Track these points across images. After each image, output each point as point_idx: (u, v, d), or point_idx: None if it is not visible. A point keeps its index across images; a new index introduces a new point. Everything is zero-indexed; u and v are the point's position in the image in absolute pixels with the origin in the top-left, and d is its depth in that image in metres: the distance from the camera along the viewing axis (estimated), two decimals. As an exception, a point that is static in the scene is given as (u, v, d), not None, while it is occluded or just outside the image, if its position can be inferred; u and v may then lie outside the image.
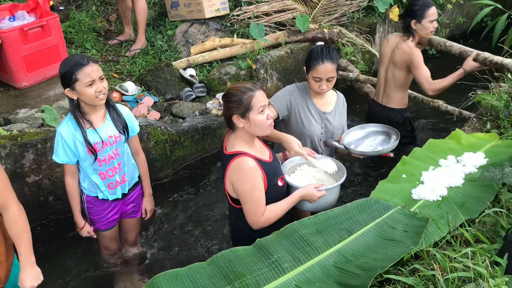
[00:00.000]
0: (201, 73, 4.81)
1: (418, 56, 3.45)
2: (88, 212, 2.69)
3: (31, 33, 3.73)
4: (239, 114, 2.23)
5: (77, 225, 2.69)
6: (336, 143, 2.88)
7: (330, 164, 2.61)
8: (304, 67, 2.79)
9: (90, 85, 2.35)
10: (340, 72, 5.01)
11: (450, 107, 3.96)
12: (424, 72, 3.44)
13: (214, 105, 2.21)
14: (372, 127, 3.06)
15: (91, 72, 2.34)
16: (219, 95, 2.21)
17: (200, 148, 4.25)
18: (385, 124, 3.18)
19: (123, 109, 2.64)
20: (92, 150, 2.46)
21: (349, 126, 3.06)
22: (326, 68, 2.65)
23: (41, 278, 2.13)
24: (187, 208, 3.76)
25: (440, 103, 4.02)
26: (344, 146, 2.83)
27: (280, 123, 2.91)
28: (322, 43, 2.77)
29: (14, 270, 2.17)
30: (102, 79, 2.40)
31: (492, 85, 3.53)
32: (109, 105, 2.53)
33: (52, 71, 3.98)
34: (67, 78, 2.33)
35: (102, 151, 2.52)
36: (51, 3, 4.85)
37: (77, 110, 2.43)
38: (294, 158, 2.69)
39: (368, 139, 2.98)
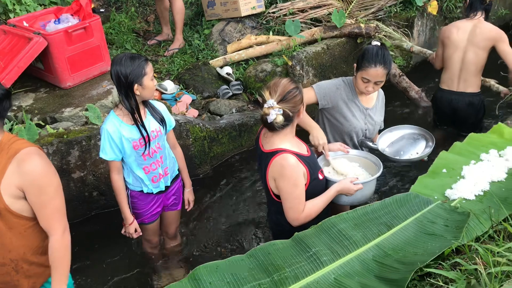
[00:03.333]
0: (237, 71, 4.86)
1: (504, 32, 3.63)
2: (132, 207, 2.76)
3: (75, 34, 3.86)
4: (303, 105, 2.28)
5: (125, 220, 2.74)
6: (371, 144, 2.88)
7: (345, 166, 2.60)
8: (354, 64, 2.76)
9: (152, 79, 2.50)
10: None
11: (501, 88, 3.90)
12: (511, 49, 3.59)
13: (277, 111, 2.21)
14: (407, 129, 3.01)
15: (151, 66, 2.51)
16: (272, 102, 2.20)
17: (238, 144, 4.31)
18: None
19: (158, 104, 2.73)
20: (148, 140, 2.56)
21: (385, 124, 3.04)
22: (377, 73, 2.63)
23: None
24: (226, 203, 3.83)
25: (492, 82, 3.98)
26: (379, 151, 2.83)
27: (323, 118, 2.92)
28: (378, 43, 2.72)
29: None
30: None
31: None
32: (146, 101, 2.63)
33: (95, 71, 4.11)
34: (137, 74, 2.42)
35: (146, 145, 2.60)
36: (93, 5, 5.01)
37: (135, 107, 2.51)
38: (329, 152, 2.70)
39: (402, 142, 2.93)
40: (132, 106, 2.49)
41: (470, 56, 3.69)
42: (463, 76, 3.75)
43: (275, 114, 2.16)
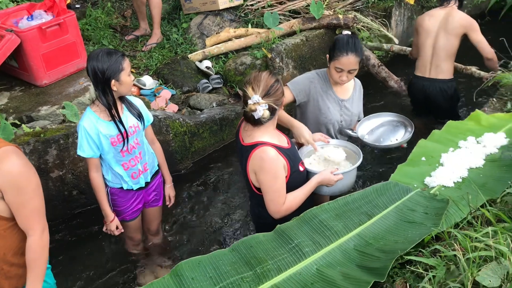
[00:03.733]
0: (217, 65, 4.83)
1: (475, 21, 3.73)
2: (112, 204, 2.73)
3: (49, 31, 3.78)
4: (283, 99, 2.27)
5: (106, 218, 2.70)
6: (350, 132, 2.88)
7: (338, 153, 2.61)
8: (327, 55, 2.76)
9: (129, 74, 2.46)
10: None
11: (483, 73, 3.99)
12: (483, 37, 3.68)
13: (264, 107, 2.19)
14: (386, 117, 3.02)
15: (129, 61, 2.47)
16: (257, 98, 2.18)
17: (219, 138, 4.29)
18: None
19: (135, 100, 2.71)
20: (126, 135, 2.52)
21: (366, 113, 3.05)
22: (350, 61, 2.62)
23: None
24: (208, 198, 3.81)
25: (474, 69, 4.08)
26: (358, 138, 2.84)
27: (297, 110, 2.92)
28: (349, 32, 2.73)
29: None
30: None
31: (512, 64, 3.49)
32: (123, 97, 2.59)
33: (71, 68, 4.04)
34: (114, 69, 2.38)
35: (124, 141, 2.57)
36: (68, 1, 4.91)
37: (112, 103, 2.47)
38: None
39: (382, 130, 2.94)
40: (109, 102, 2.45)
41: (441, 42, 3.78)
42: (435, 62, 3.84)
43: (262, 110, 2.15)
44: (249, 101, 2.16)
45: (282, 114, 2.61)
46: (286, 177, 2.28)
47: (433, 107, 3.98)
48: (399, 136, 2.86)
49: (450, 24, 3.73)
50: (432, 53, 3.83)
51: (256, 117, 2.17)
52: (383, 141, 2.85)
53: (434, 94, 3.87)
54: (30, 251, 1.96)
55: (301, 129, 2.60)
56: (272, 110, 2.21)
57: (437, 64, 3.82)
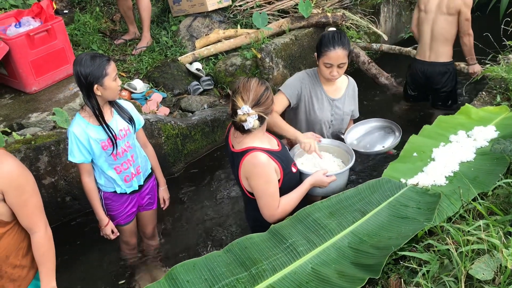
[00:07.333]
0: (207, 66, 4.83)
1: None
2: (106, 209, 2.72)
3: (37, 38, 3.77)
4: (272, 107, 2.25)
5: (100, 222, 2.69)
6: (342, 135, 2.88)
7: (331, 164, 2.62)
8: (315, 53, 2.75)
9: (115, 79, 2.44)
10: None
11: (462, 64, 4.17)
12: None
13: (254, 117, 2.17)
14: (374, 122, 3.01)
15: (115, 66, 2.45)
16: (247, 108, 2.16)
17: (211, 140, 4.28)
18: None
19: (125, 103, 2.70)
20: (114, 139, 2.51)
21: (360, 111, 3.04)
22: (338, 54, 2.61)
23: None
24: (202, 199, 3.80)
25: (462, 65, 4.18)
26: (348, 146, 2.78)
27: (290, 111, 2.90)
28: (334, 28, 2.73)
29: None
30: None
31: (500, 57, 3.50)
32: (112, 101, 2.58)
33: (60, 74, 4.03)
34: (97, 74, 2.36)
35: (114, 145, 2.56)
36: (55, 7, 4.89)
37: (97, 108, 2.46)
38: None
39: (371, 137, 2.94)
40: (94, 106, 2.44)
41: (439, 25, 3.79)
42: (434, 47, 3.88)
43: (252, 120, 2.12)
44: (239, 111, 2.13)
45: (281, 124, 2.60)
46: (279, 180, 2.27)
47: (432, 91, 4.03)
48: (388, 143, 2.86)
49: (446, 3, 3.73)
50: (431, 37, 3.87)
51: (246, 128, 2.15)
52: (372, 148, 2.84)
53: (434, 79, 3.92)
54: (38, 247, 2.05)
55: (306, 138, 2.57)
56: (262, 119, 2.19)
57: (437, 48, 3.87)
